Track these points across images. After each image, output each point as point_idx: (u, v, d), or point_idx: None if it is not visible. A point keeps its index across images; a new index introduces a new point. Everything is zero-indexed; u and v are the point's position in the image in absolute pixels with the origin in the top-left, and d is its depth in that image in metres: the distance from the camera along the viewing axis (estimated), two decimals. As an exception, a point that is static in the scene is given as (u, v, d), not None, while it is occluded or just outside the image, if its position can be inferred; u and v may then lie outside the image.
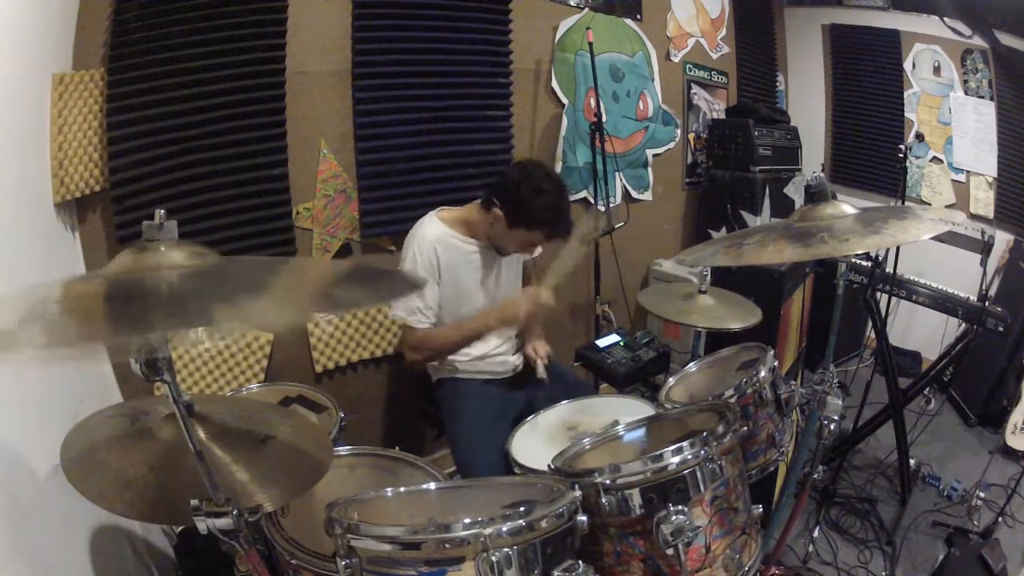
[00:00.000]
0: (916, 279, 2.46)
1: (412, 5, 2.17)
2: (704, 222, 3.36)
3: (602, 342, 2.23)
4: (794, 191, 3.26)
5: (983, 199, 3.25)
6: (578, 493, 1.04)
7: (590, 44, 2.58)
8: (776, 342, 2.26)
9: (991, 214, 3.20)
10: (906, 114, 3.49)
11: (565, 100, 2.73)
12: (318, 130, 2.09)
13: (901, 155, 2.56)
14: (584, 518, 1.00)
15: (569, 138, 2.76)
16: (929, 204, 3.45)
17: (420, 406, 2.17)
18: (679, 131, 3.29)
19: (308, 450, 1.06)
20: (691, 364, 1.78)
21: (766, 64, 3.81)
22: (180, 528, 1.54)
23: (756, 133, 3.06)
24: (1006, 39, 3.00)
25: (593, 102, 2.66)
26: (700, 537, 1.06)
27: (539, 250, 2.01)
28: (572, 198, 2.78)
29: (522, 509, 0.92)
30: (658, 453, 1.06)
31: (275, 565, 1.15)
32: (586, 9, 2.74)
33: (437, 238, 1.79)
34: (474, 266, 1.84)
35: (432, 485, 1.16)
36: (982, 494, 2.29)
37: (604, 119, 2.64)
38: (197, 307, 0.74)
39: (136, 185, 1.75)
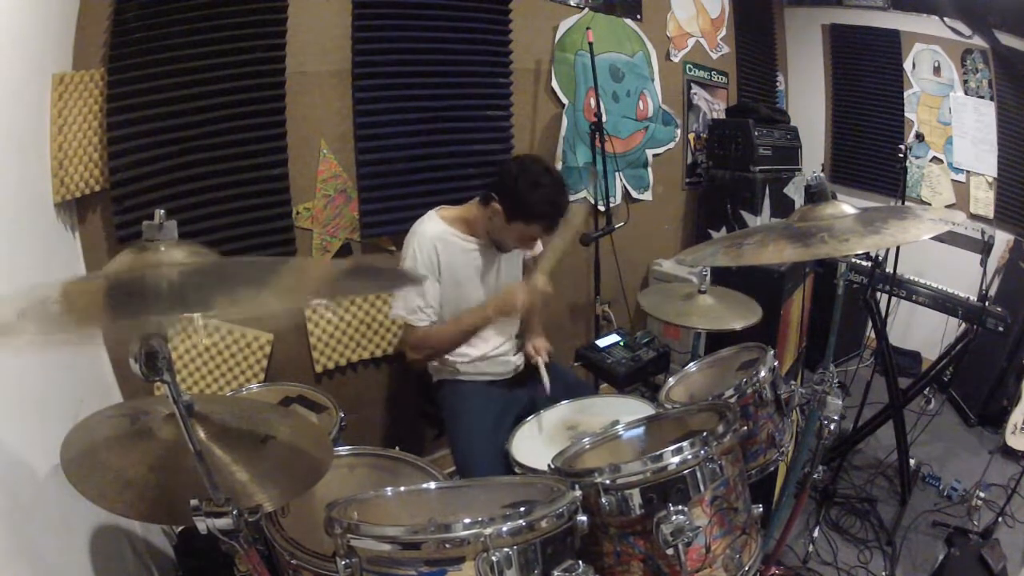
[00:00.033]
0: (916, 279, 2.46)
1: (412, 5, 2.17)
2: (704, 222, 3.36)
3: (602, 342, 2.23)
4: (794, 191, 3.26)
5: (983, 199, 3.25)
6: (578, 493, 1.04)
7: (590, 44, 2.58)
8: (776, 342, 2.26)
9: (991, 214, 3.20)
10: (906, 114, 3.49)
11: (565, 100, 2.73)
12: (318, 130, 2.09)
13: (901, 155, 2.56)
14: (584, 518, 1.00)
15: (569, 138, 2.76)
16: (929, 204, 3.45)
17: (420, 406, 2.17)
18: (679, 131, 3.29)
19: (308, 450, 1.06)
20: (691, 364, 1.78)
21: (766, 64, 3.81)
22: (180, 528, 1.53)
23: (756, 133, 3.05)
24: (1006, 39, 3.00)
25: (593, 102, 2.66)
26: (700, 537, 1.06)
27: (539, 247, 2.01)
28: (572, 198, 2.80)
29: (522, 509, 0.92)
30: (658, 453, 1.06)
31: (275, 565, 1.15)
32: (586, 9, 2.74)
33: (437, 236, 1.79)
34: (474, 264, 1.84)
35: (432, 485, 1.16)
36: (982, 494, 2.29)
37: (604, 119, 2.64)
38: (197, 298, 0.75)
39: (136, 185, 1.75)
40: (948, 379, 2.62)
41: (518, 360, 2.00)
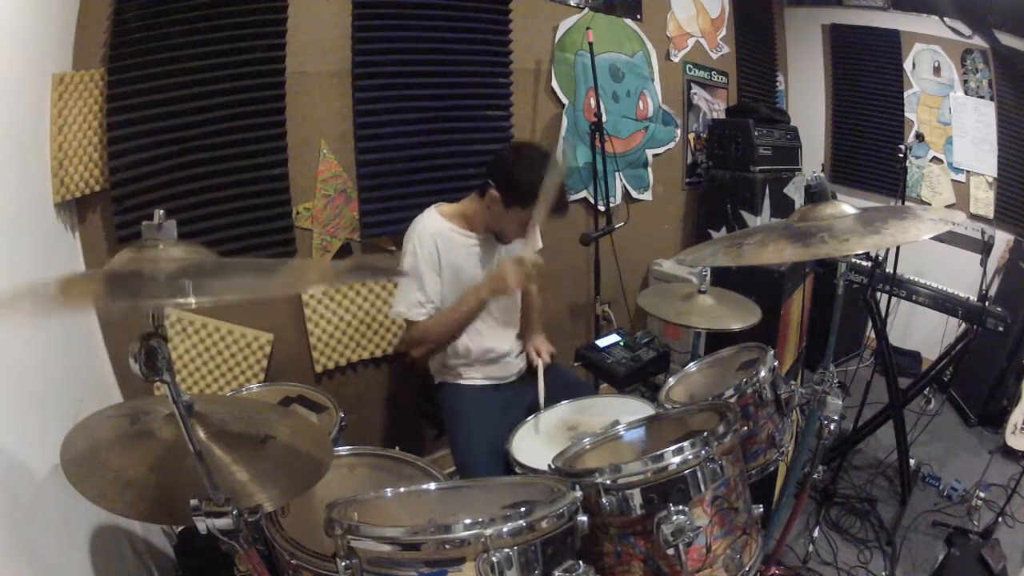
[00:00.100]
0: (916, 279, 2.46)
1: (412, 5, 2.17)
2: (704, 222, 3.36)
3: (602, 342, 2.23)
4: (794, 191, 3.26)
5: (983, 199, 3.25)
6: (578, 493, 1.04)
7: (590, 44, 2.58)
8: (776, 342, 2.26)
9: (991, 214, 3.20)
10: (906, 114, 3.49)
11: (565, 100, 2.73)
12: (318, 130, 2.09)
13: (901, 155, 2.56)
14: (584, 518, 1.00)
15: (569, 138, 2.76)
16: (929, 204, 3.45)
17: (420, 406, 2.17)
18: (679, 131, 3.29)
19: (308, 450, 1.06)
20: (691, 364, 1.78)
21: (766, 64, 3.81)
22: (180, 528, 1.53)
23: (756, 133, 3.05)
24: (1006, 39, 3.00)
25: (593, 102, 2.66)
26: (701, 537, 1.06)
27: (539, 243, 2.01)
28: (572, 198, 2.80)
29: (522, 509, 0.92)
30: (659, 453, 1.06)
31: (275, 565, 1.15)
32: (586, 9, 2.74)
33: (437, 232, 1.78)
34: (475, 259, 1.83)
35: (432, 485, 1.16)
36: (982, 494, 2.29)
37: (604, 119, 2.64)
38: (193, 284, 0.76)
39: (136, 185, 1.75)
40: (948, 379, 2.62)
41: (521, 363, 2.00)
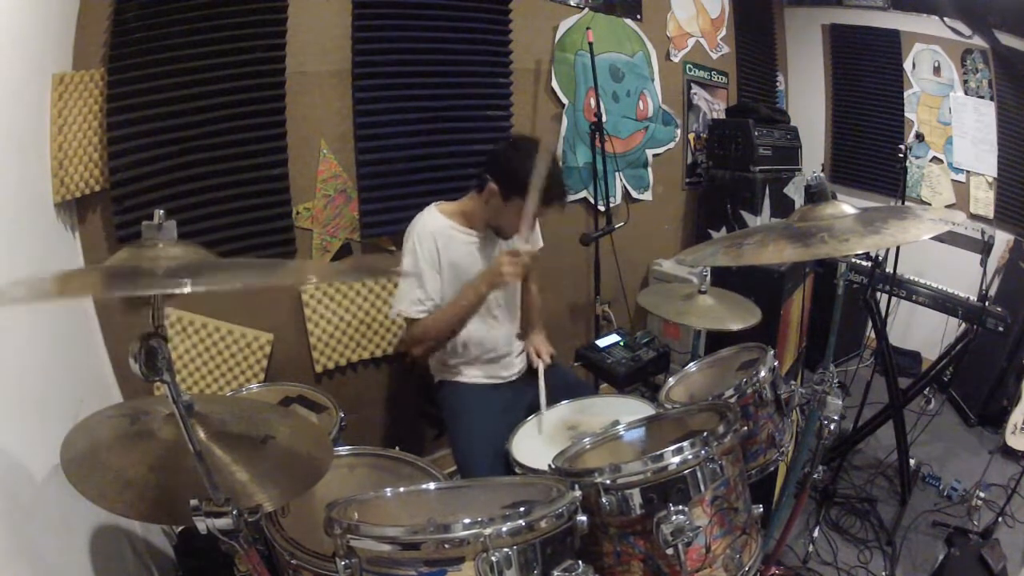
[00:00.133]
0: (916, 279, 2.46)
1: (412, 5, 2.17)
2: (704, 222, 3.36)
3: (602, 342, 2.23)
4: (794, 191, 3.26)
5: (983, 199, 3.25)
6: (578, 493, 1.04)
7: (590, 44, 2.58)
8: (776, 342, 2.26)
9: (991, 214, 3.20)
10: (906, 114, 3.49)
11: (565, 100, 2.73)
12: (318, 130, 2.09)
13: (901, 155, 2.57)
14: (584, 518, 1.00)
15: (569, 138, 2.76)
16: (929, 204, 3.45)
17: (420, 406, 2.17)
18: (679, 131, 3.29)
19: (308, 450, 1.06)
20: (691, 364, 1.78)
21: (766, 64, 3.81)
22: (180, 528, 1.53)
23: (756, 133, 3.05)
24: (1006, 39, 3.00)
25: (593, 102, 2.66)
26: (700, 537, 1.06)
27: (540, 242, 2.01)
28: (572, 198, 2.81)
29: (522, 509, 0.92)
30: (658, 453, 1.06)
31: (275, 565, 1.15)
32: (586, 9, 2.74)
33: (437, 230, 1.79)
34: (475, 256, 1.83)
35: (432, 485, 1.16)
36: (982, 494, 2.29)
37: (604, 119, 2.64)
38: (192, 280, 0.76)
39: (136, 185, 1.75)
40: (948, 379, 2.62)
41: (521, 362, 2.00)
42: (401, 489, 1.13)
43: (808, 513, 2.24)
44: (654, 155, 3.17)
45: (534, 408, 1.76)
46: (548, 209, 1.74)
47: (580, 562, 0.95)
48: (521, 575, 0.89)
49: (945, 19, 3.22)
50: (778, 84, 3.93)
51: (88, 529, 1.26)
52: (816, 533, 2.18)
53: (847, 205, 1.24)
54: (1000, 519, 2.16)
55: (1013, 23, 2.94)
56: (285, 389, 1.72)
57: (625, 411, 1.63)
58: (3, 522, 0.97)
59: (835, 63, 3.78)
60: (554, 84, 2.69)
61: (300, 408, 1.62)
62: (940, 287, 2.41)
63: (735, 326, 1.78)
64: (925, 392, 2.57)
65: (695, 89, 3.36)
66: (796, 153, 3.35)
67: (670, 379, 1.73)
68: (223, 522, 0.85)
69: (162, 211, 0.82)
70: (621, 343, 2.21)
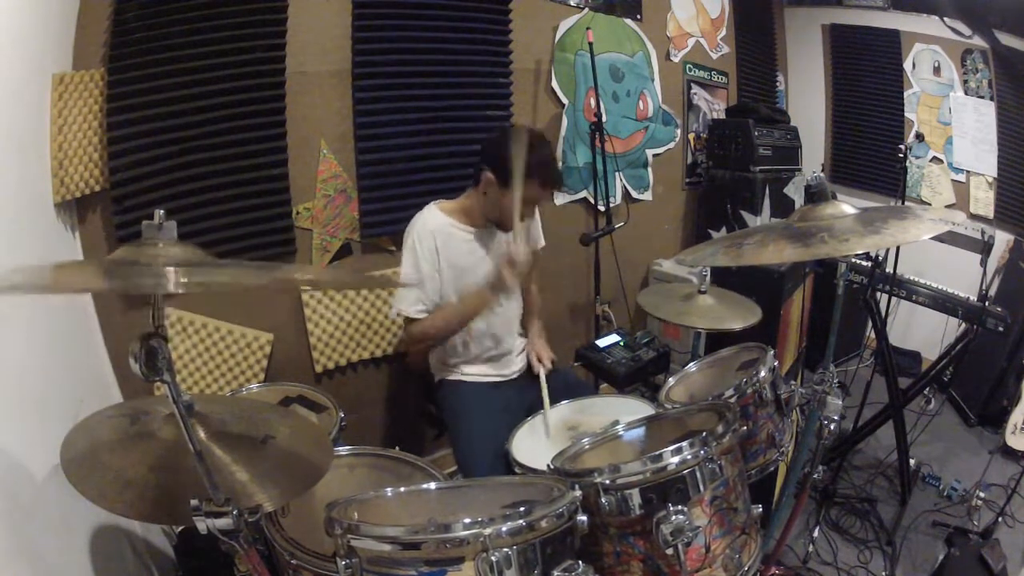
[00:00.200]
0: (916, 279, 2.46)
1: (412, 5, 2.17)
2: (704, 222, 3.36)
3: (602, 342, 2.23)
4: (794, 191, 3.26)
5: (983, 199, 3.25)
6: (578, 493, 1.04)
7: (590, 44, 2.58)
8: (776, 342, 2.26)
9: (991, 214, 3.20)
10: (906, 114, 3.49)
11: (565, 100, 2.73)
12: (318, 130, 2.09)
13: (901, 155, 2.56)
14: (584, 518, 1.00)
15: (569, 138, 2.76)
16: (929, 204, 3.45)
17: (420, 406, 2.17)
18: (679, 131, 3.29)
19: (308, 450, 1.06)
20: (691, 364, 1.78)
21: (766, 64, 3.81)
22: (180, 528, 1.53)
23: (756, 133, 3.05)
24: (1006, 39, 3.00)
25: (593, 102, 2.66)
26: (700, 537, 1.06)
27: (542, 240, 2.01)
28: (572, 198, 2.81)
29: (522, 509, 0.92)
30: (658, 453, 1.06)
31: (275, 565, 1.15)
32: (586, 9, 2.74)
33: (436, 228, 1.78)
34: (475, 253, 1.83)
35: (432, 485, 1.16)
36: (982, 494, 2.29)
37: (604, 119, 2.64)
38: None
39: (136, 185, 1.75)
40: (948, 379, 2.62)
41: (522, 361, 2.00)
42: (401, 489, 1.13)
43: (808, 513, 2.24)
44: (654, 155, 3.17)
45: (534, 408, 1.76)
46: (546, 192, 1.74)
47: (580, 562, 0.95)
48: (521, 575, 0.89)
49: (945, 19, 3.22)
50: (778, 84, 3.93)
51: (88, 529, 1.26)
52: (816, 533, 2.18)
53: (847, 205, 1.24)
54: (1000, 519, 2.16)
55: (1013, 23, 2.94)
56: (285, 389, 1.72)
57: (625, 411, 1.63)
58: (3, 522, 0.97)
59: (835, 63, 3.78)
60: (554, 84, 2.69)
61: (300, 408, 1.62)
62: (940, 287, 2.41)
63: (735, 326, 1.78)
64: (925, 392, 2.57)
65: (695, 89, 3.36)
66: (796, 153, 3.35)
67: (670, 379, 1.73)
68: (223, 522, 0.85)
69: (162, 211, 0.82)
70: (621, 343, 2.21)
